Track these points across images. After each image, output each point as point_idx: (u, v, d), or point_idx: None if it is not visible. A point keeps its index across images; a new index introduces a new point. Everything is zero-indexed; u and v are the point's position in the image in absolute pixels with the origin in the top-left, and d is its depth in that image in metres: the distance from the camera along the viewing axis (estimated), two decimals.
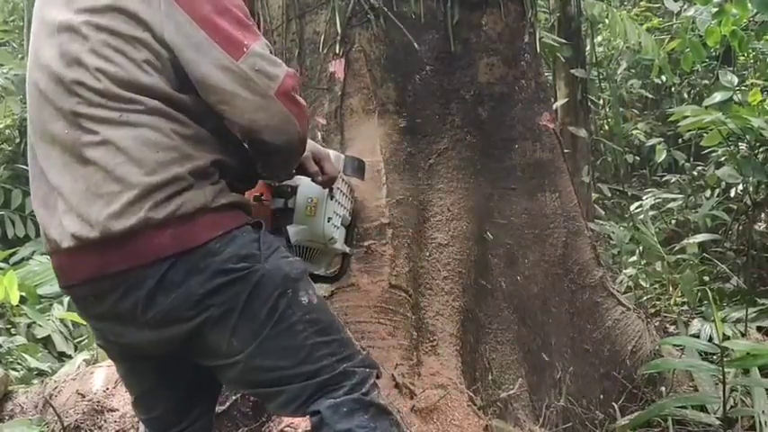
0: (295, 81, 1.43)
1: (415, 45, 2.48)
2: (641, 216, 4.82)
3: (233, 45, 1.35)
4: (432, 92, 2.54)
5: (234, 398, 2.24)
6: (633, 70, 6.76)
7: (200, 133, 1.37)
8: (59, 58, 1.36)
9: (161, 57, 1.34)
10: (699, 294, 3.77)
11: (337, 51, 2.48)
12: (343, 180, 1.92)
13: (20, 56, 6.57)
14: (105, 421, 2.31)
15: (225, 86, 1.34)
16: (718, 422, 2.20)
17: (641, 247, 4.37)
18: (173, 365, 1.53)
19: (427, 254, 2.49)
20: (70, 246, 1.33)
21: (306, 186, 1.75)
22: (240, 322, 1.35)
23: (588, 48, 5.29)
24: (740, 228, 4.75)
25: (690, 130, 5.10)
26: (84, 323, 3.54)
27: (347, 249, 2.03)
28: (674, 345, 2.64)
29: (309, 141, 1.61)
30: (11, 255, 5.12)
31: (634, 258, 4.47)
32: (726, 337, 2.39)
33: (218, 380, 1.51)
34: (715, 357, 2.28)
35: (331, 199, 1.80)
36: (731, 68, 5.31)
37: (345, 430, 1.35)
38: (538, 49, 2.75)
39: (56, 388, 2.69)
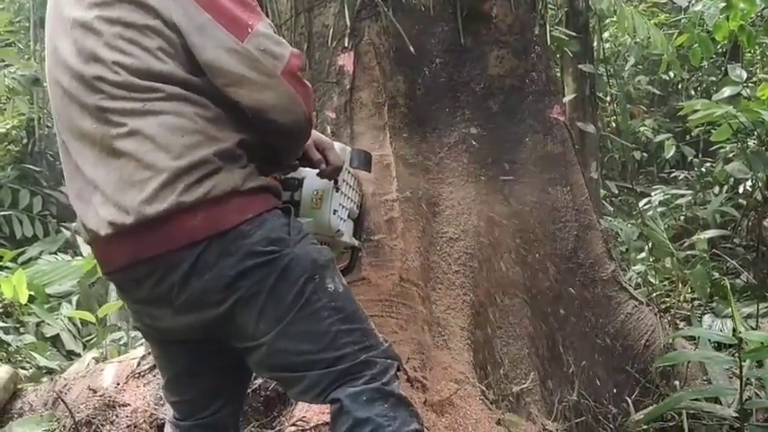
0: (300, 61, 1.43)
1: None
2: (650, 212, 4.80)
3: (238, 26, 1.35)
4: (442, 85, 2.54)
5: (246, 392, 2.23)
6: (641, 66, 6.74)
7: (222, 114, 1.38)
8: (77, 54, 1.38)
9: (173, 43, 1.35)
10: (710, 290, 3.75)
11: (346, 45, 2.47)
12: (349, 173, 1.91)
13: (26, 56, 6.58)
14: (117, 416, 2.30)
15: (232, 69, 1.34)
16: (734, 414, 2.18)
17: (650, 244, 4.35)
18: (206, 350, 1.54)
19: (438, 248, 2.48)
20: (108, 233, 1.35)
21: (311, 178, 1.75)
22: (267, 305, 1.36)
23: (596, 43, 5.27)
24: (749, 224, 4.73)
25: (698, 126, 5.08)
26: (93, 321, 3.60)
27: (356, 243, 2.02)
28: (688, 338, 2.62)
29: (313, 131, 1.61)
30: (19, 254, 5.13)
31: (643, 255, 4.45)
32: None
33: (249, 364, 1.51)
34: (730, 350, 2.26)
35: (337, 191, 1.80)
36: (739, 64, 5.29)
37: (365, 419, 1.35)
38: (548, 41, 2.73)
39: (65, 385, 2.68)
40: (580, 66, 4.67)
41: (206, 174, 1.32)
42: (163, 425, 2.12)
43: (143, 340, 3.29)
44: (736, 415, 2.14)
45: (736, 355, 1.89)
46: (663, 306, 3.88)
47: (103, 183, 1.35)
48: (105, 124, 1.34)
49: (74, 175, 1.42)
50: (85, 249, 4.83)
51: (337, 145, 1.77)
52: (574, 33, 4.49)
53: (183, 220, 1.31)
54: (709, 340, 2.54)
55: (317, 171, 1.67)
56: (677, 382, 2.50)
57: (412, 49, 2.47)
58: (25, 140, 6.50)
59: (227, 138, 1.37)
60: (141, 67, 1.33)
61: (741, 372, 1.87)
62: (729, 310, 3.25)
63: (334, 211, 1.81)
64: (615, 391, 2.57)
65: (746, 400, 2.21)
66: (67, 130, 1.42)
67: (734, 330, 1.87)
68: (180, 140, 1.32)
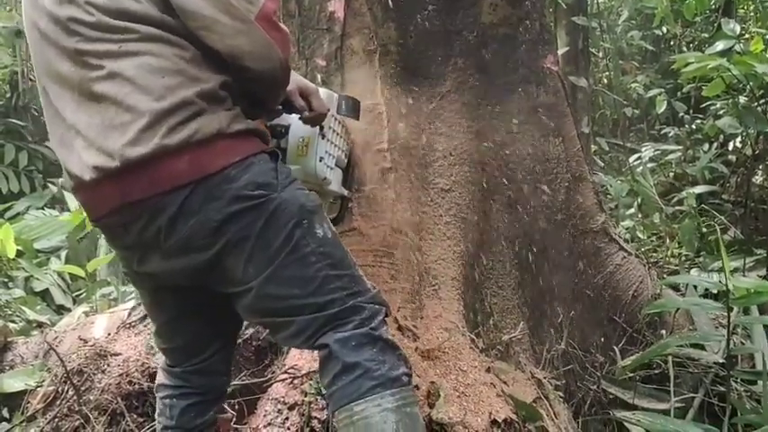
0: (276, 5, 1.39)
1: None
2: (640, 169, 4.81)
3: None
4: (434, 32, 2.48)
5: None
6: (634, 21, 6.66)
7: (201, 56, 1.34)
8: None
9: None
10: (697, 245, 3.78)
11: None
12: (336, 120, 1.87)
13: (8, 8, 6.40)
14: (108, 365, 2.30)
15: (204, 12, 1.31)
16: (720, 360, 2.21)
17: (639, 200, 4.36)
18: (196, 296, 1.54)
19: (429, 199, 2.47)
20: (93, 177, 1.33)
21: (297, 126, 1.72)
22: (255, 249, 1.35)
23: None
24: (738, 180, 4.74)
25: (690, 82, 5.04)
26: (83, 276, 3.58)
27: (345, 192, 2.00)
28: (678, 284, 2.64)
29: (297, 76, 1.59)
30: (6, 210, 5.09)
31: (632, 211, 4.47)
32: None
33: (237, 310, 1.51)
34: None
35: (322, 138, 1.77)
36: (732, 20, 5.23)
37: (354, 363, 1.35)
38: None
39: (56, 338, 2.68)
40: (574, 18, 4.60)
41: (189, 116, 1.29)
42: (154, 373, 2.13)
43: (133, 295, 3.29)
44: (723, 361, 2.17)
45: (724, 302, 1.90)
46: (650, 260, 3.92)
47: (85, 127, 1.32)
48: (83, 67, 1.31)
49: (54, 120, 1.39)
50: (73, 204, 4.80)
51: (323, 91, 1.74)
52: None
53: (168, 163, 1.29)
54: (695, 287, 2.57)
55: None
56: (664, 332, 2.53)
57: None
58: (8, 94, 6.36)
59: (209, 78, 1.33)
60: (113, 6, 1.30)
61: (729, 318, 1.89)
62: (716, 264, 3.29)
63: (321, 159, 1.79)
64: (603, 340, 2.61)
65: (732, 347, 2.24)
66: (46, 74, 1.39)
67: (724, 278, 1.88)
68: (160, 81, 1.29)
